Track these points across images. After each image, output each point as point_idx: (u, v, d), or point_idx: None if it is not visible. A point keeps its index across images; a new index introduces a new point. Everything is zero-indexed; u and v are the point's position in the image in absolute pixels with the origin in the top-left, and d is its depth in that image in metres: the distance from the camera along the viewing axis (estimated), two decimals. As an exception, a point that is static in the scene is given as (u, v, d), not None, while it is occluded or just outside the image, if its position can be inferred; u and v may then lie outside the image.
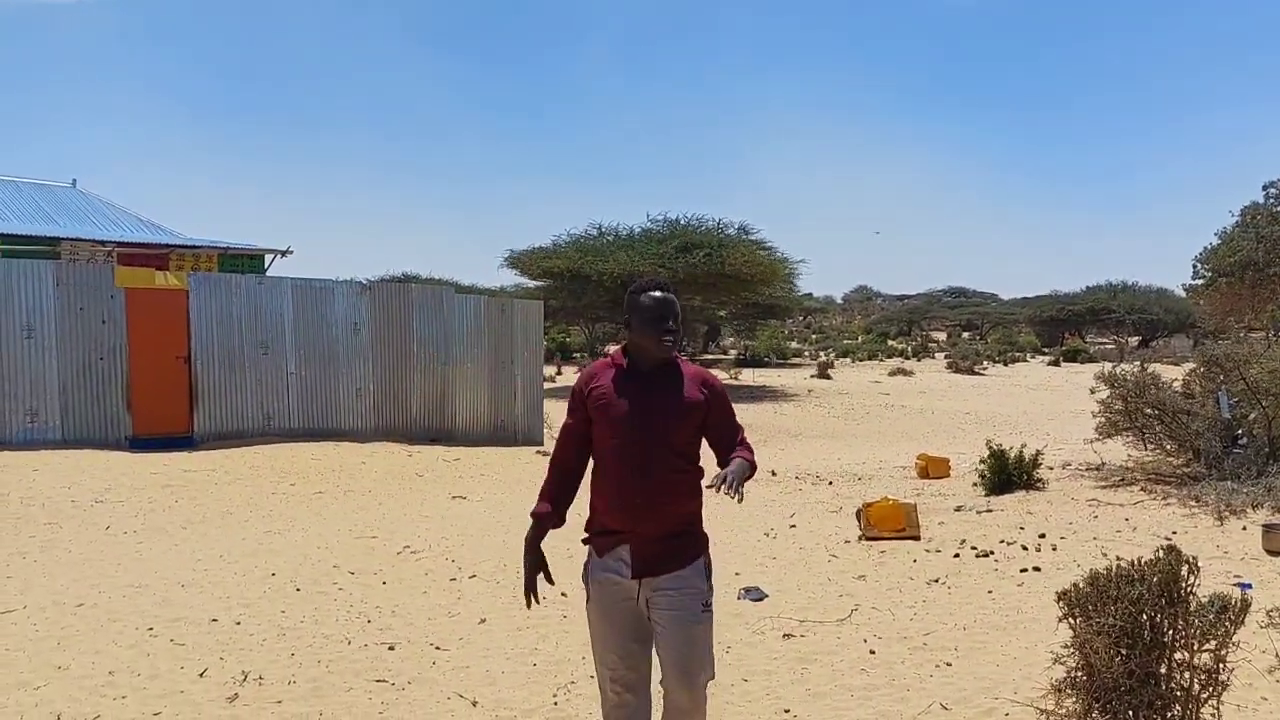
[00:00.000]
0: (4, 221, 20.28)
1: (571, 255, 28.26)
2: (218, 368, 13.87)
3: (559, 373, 31.31)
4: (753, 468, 3.11)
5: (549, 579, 3.21)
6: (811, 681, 4.79)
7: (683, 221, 29.51)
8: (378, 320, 15.14)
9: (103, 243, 19.80)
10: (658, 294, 3.09)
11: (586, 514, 3.18)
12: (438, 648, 5.36)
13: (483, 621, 5.84)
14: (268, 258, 21.75)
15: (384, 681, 4.84)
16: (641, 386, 3.06)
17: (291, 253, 21.64)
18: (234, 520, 8.92)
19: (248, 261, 21.29)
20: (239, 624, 5.78)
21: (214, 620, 5.84)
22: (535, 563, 3.17)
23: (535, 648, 5.34)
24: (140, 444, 12.88)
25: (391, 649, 5.35)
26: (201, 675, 4.91)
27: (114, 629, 5.66)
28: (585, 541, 3.18)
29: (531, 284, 32.61)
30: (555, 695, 4.65)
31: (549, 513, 3.18)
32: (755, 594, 6.27)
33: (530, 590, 3.19)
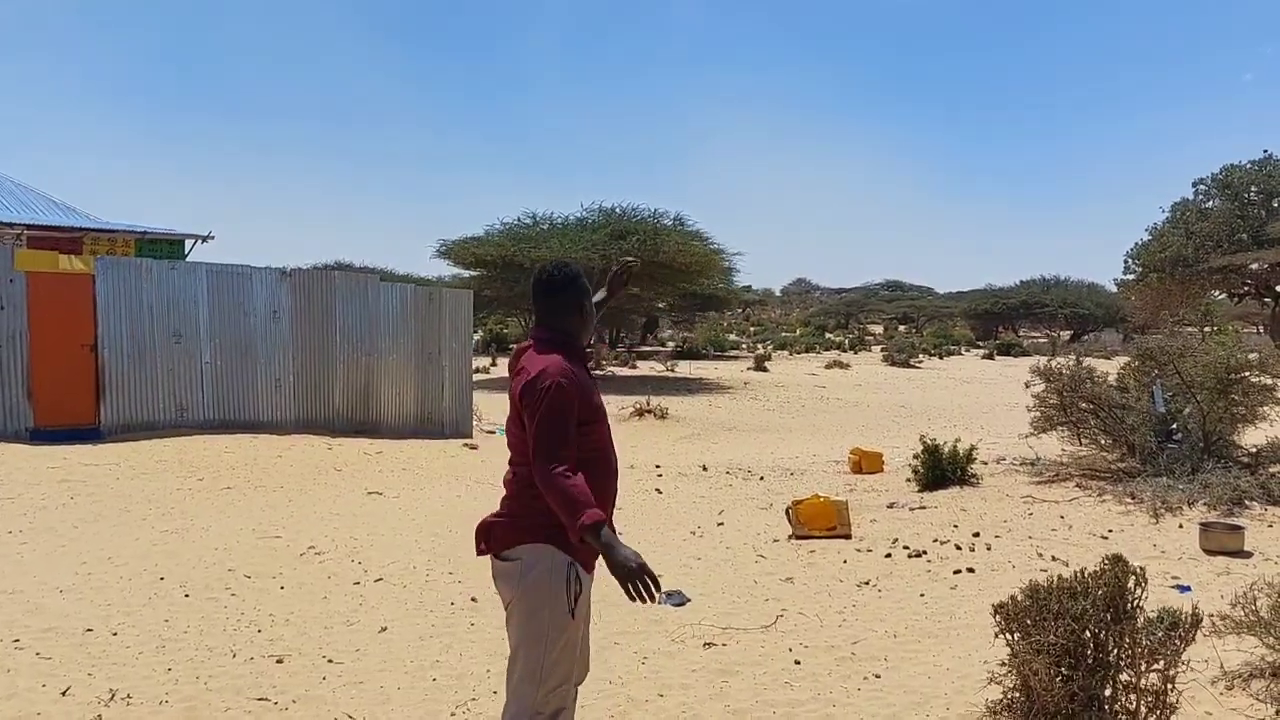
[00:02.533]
0: (-97, 201, 19.21)
1: (504, 244, 27.73)
2: (126, 357, 13.17)
3: (494, 364, 30.73)
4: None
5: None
6: (732, 697, 4.47)
7: (618, 211, 29.12)
8: (299, 308, 14.54)
9: (11, 225, 18.86)
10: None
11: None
12: (330, 660, 4.94)
13: (383, 630, 5.42)
14: (188, 243, 20.93)
15: (265, 700, 4.42)
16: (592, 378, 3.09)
17: (213, 238, 20.86)
18: (131, 519, 8.36)
19: (167, 247, 20.45)
20: (115, 635, 5.29)
21: (88, 630, 5.35)
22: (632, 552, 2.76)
23: (437, 660, 4.95)
24: (41, 435, 12.17)
25: (280, 662, 4.92)
26: (64, 694, 4.45)
27: (-26, 642, 5.14)
28: (566, 549, 2.88)
29: (466, 274, 31.96)
30: (454, 713, 4.27)
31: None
32: (677, 598, 5.93)
33: (650, 577, 2.75)
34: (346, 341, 14.77)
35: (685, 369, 33.53)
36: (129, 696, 4.43)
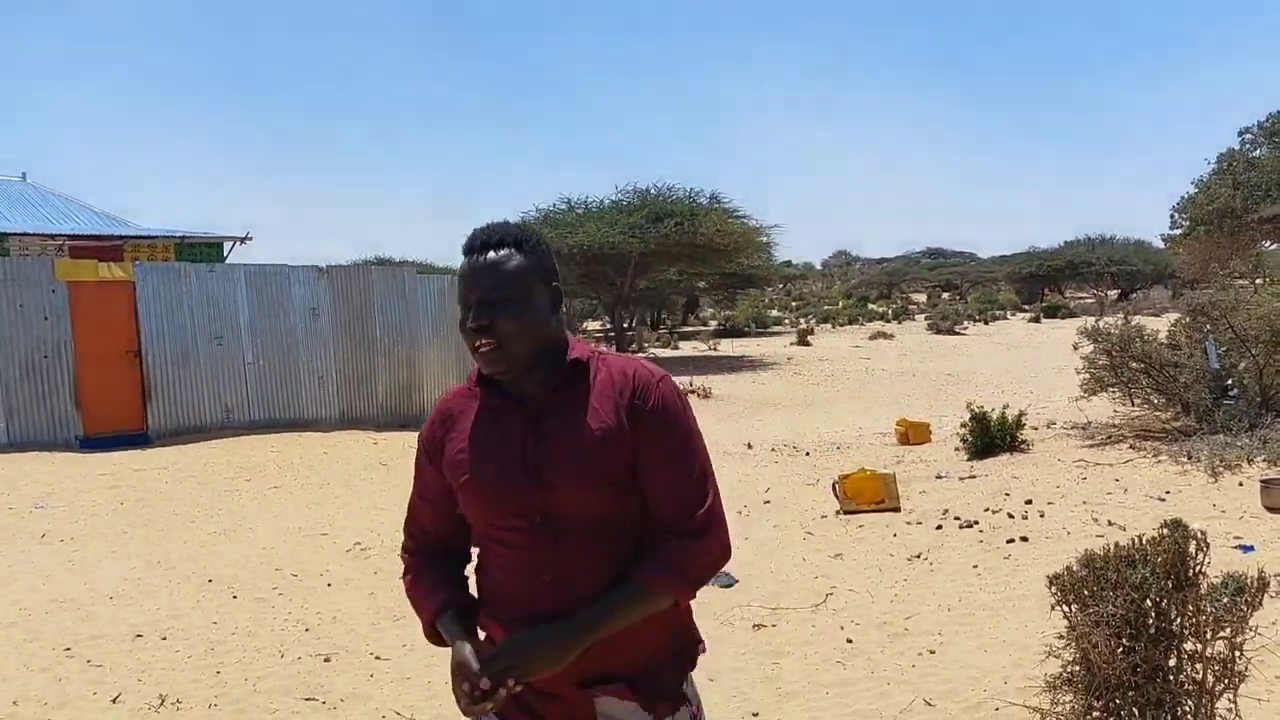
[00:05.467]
0: (-51, 218, 19.57)
1: (541, 230, 27.65)
2: (170, 361, 13.33)
3: (535, 351, 30.76)
4: (660, 594, 1.76)
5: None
6: (783, 679, 4.38)
7: (653, 192, 28.92)
8: (337, 305, 14.61)
9: (53, 236, 19.14)
10: (468, 262, 1.83)
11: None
12: (378, 657, 4.92)
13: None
14: (226, 245, 21.10)
15: (314, 699, 4.41)
16: (523, 420, 1.82)
17: (251, 239, 21.01)
18: (179, 522, 8.44)
19: (206, 250, 20.65)
20: (164, 639, 5.32)
21: (138, 636, 5.38)
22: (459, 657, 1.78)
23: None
24: (91, 444, 12.35)
25: (328, 660, 4.91)
26: (114, 701, 4.47)
27: (29, 650, 5.19)
28: None
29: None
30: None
31: (446, 601, 1.90)
32: (724, 579, 5.84)
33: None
34: (386, 336, 14.82)
35: (728, 347, 33.36)
36: (179, 701, 4.44)
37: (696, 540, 1.78)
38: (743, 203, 49.71)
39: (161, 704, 4.41)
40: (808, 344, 33.98)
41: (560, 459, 1.78)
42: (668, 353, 32.23)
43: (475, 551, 1.95)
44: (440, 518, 1.96)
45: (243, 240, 20.97)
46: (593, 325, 46.54)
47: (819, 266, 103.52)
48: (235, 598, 6.05)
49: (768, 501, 8.30)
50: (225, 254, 20.81)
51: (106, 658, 5.04)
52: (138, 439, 12.70)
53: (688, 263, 30.97)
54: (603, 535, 1.78)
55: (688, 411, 1.84)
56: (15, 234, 18.40)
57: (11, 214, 20.66)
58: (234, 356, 13.81)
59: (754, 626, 5.11)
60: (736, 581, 5.88)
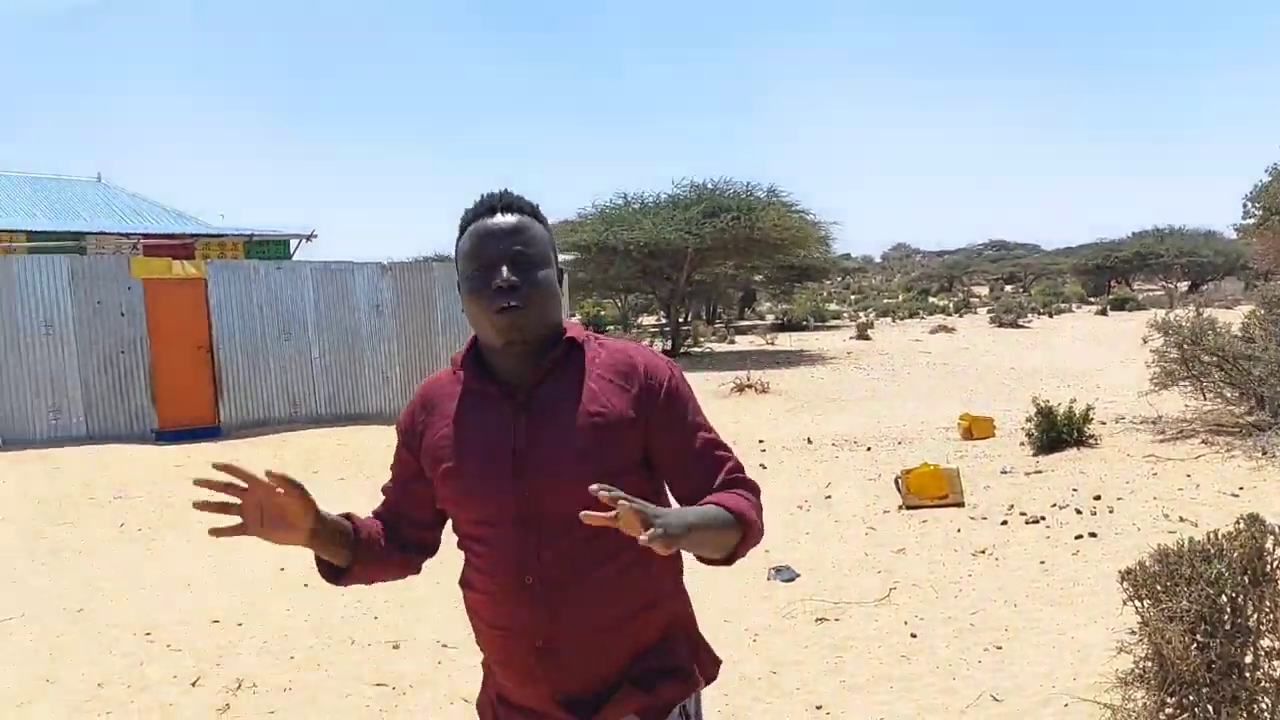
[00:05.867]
0: (31, 219, 20.22)
1: (596, 227, 27.74)
2: (240, 356, 13.65)
3: (593, 346, 30.81)
4: (743, 523, 1.66)
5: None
6: (847, 672, 4.38)
7: (709, 186, 28.83)
8: (400, 301, 14.86)
9: (127, 235, 19.67)
10: (488, 222, 1.70)
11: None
12: (445, 645, 5.01)
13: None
14: (293, 243, 21.53)
15: (384, 685, 4.51)
16: (513, 403, 1.70)
17: (316, 236, 21.39)
18: (251, 512, 8.65)
19: (274, 247, 21.09)
20: (240, 625, 5.48)
21: (215, 622, 5.55)
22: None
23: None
24: (167, 436, 12.69)
25: (396, 648, 5.02)
26: (194, 685, 4.61)
27: (110, 635, 5.38)
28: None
29: (561, 258, 32.08)
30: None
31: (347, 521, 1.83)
32: (786, 574, 5.86)
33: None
34: (448, 331, 15.02)
35: (785, 341, 33.20)
36: (255, 685, 4.57)
37: (739, 486, 1.72)
38: (801, 196, 49.32)
39: (238, 688, 4.54)
40: (867, 338, 33.67)
41: (552, 450, 1.64)
42: (724, 347, 32.17)
43: (463, 576, 1.79)
44: (401, 500, 1.85)
45: (308, 238, 21.37)
46: (648, 320, 46.61)
47: (878, 259, 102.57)
48: (306, 586, 6.19)
49: (829, 497, 8.28)
50: (291, 251, 21.23)
51: (185, 643, 5.20)
52: (210, 432, 13.03)
53: (744, 257, 30.82)
54: (592, 535, 1.54)
55: (690, 388, 1.79)
56: (92, 233, 18.94)
57: (88, 214, 21.29)
58: (301, 351, 14.10)
59: (816, 620, 5.11)
60: (798, 575, 5.88)
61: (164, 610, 5.80)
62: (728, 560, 1.68)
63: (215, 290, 13.50)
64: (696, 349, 30.79)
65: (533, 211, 1.75)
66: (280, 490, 1.68)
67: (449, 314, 15.03)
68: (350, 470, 10.66)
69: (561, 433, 1.66)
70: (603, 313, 45.65)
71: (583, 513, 1.43)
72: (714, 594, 5.22)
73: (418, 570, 1.92)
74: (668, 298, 31.14)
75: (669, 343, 30.04)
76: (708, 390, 18.79)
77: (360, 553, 1.80)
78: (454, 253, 1.79)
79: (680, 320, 32.95)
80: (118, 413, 12.81)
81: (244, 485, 1.66)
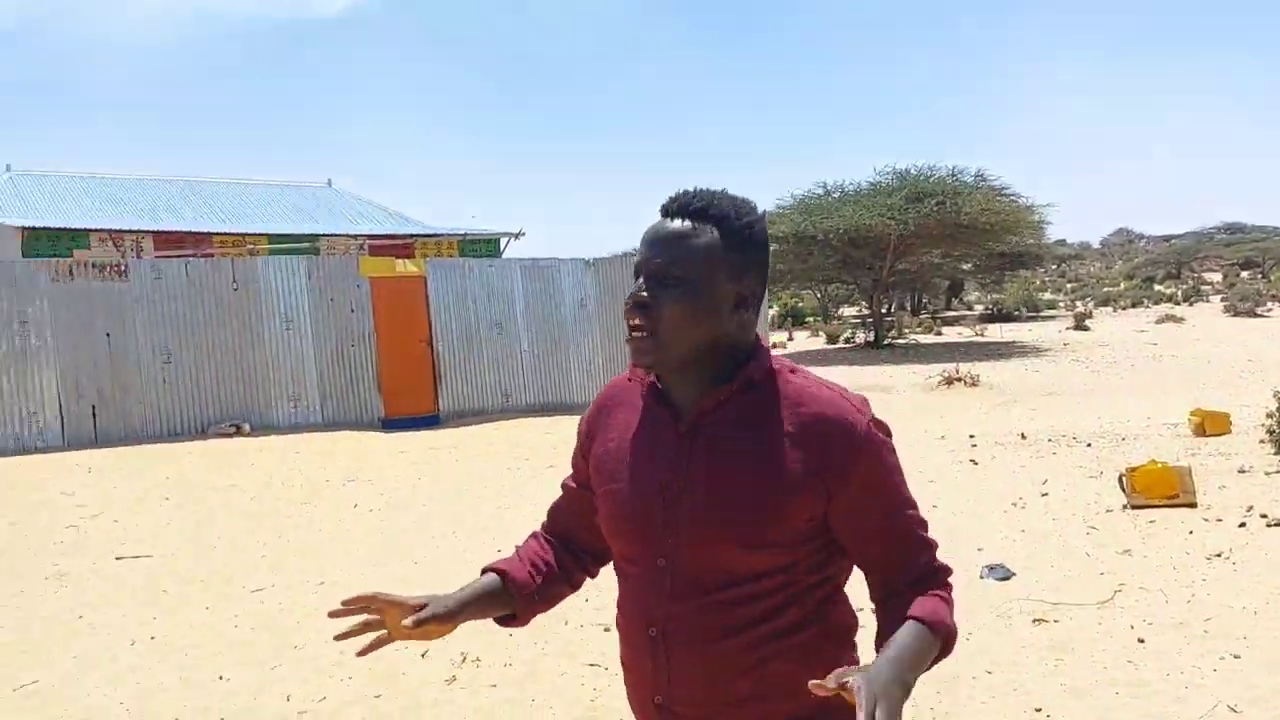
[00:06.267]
0: (270, 222, 21.97)
1: (795, 217, 27.50)
2: (457, 349, 14.41)
3: (790, 338, 30.72)
4: (944, 637, 1.45)
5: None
6: (1068, 675, 4.22)
7: (913, 172, 28.04)
8: (603, 295, 15.27)
9: (354, 236, 21.08)
10: (654, 225, 1.49)
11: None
12: (655, 630, 5.15)
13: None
14: (502, 241, 22.47)
15: (596, 665, 4.69)
16: (676, 437, 1.50)
17: (524, 235, 22.26)
18: (468, 496, 9.14)
19: (485, 246, 22.09)
20: (464, 603, 5.81)
21: (441, 599, 5.91)
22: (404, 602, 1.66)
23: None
24: (391, 424, 13.55)
25: (607, 630, 5.20)
26: (423, 656, 4.94)
27: (350, 607, 5.82)
28: None
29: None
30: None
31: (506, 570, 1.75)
32: (1000, 572, 5.68)
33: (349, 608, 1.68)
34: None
35: (996, 332, 31.92)
36: (478, 659, 4.85)
37: (933, 583, 1.50)
38: (1011, 179, 47.22)
39: (463, 661, 4.83)
40: (1085, 328, 31.93)
41: (702, 505, 1.44)
42: (930, 339, 31.25)
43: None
44: (576, 502, 1.74)
45: (516, 236, 22.25)
46: (849, 311, 45.80)
47: (1097, 245, 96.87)
48: (523, 568, 6.50)
49: (1045, 494, 7.94)
50: (501, 249, 22.16)
51: (415, 617, 5.57)
52: (430, 420, 13.82)
53: (951, 244, 29.80)
54: (733, 599, 1.43)
55: (894, 451, 1.51)
56: (324, 235, 20.41)
57: (320, 217, 22.92)
58: (512, 344, 14.75)
59: (1034, 621, 4.94)
60: (1013, 574, 5.70)
61: (396, 585, 6.22)
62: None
63: (434, 287, 14.30)
64: (900, 341, 30.05)
65: (713, 217, 1.46)
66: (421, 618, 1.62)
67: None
68: (558, 458, 11.05)
69: (716, 486, 1.44)
70: (800, 304, 45.25)
71: (811, 683, 1.25)
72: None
73: (593, 576, 1.85)
74: (870, 288, 30.53)
75: (871, 334, 29.46)
76: (913, 384, 18.33)
77: (522, 603, 1.73)
78: None
79: (883, 311, 32.25)
80: (348, 402, 13.79)
81: (380, 610, 1.65)
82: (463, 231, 22.23)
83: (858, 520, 1.46)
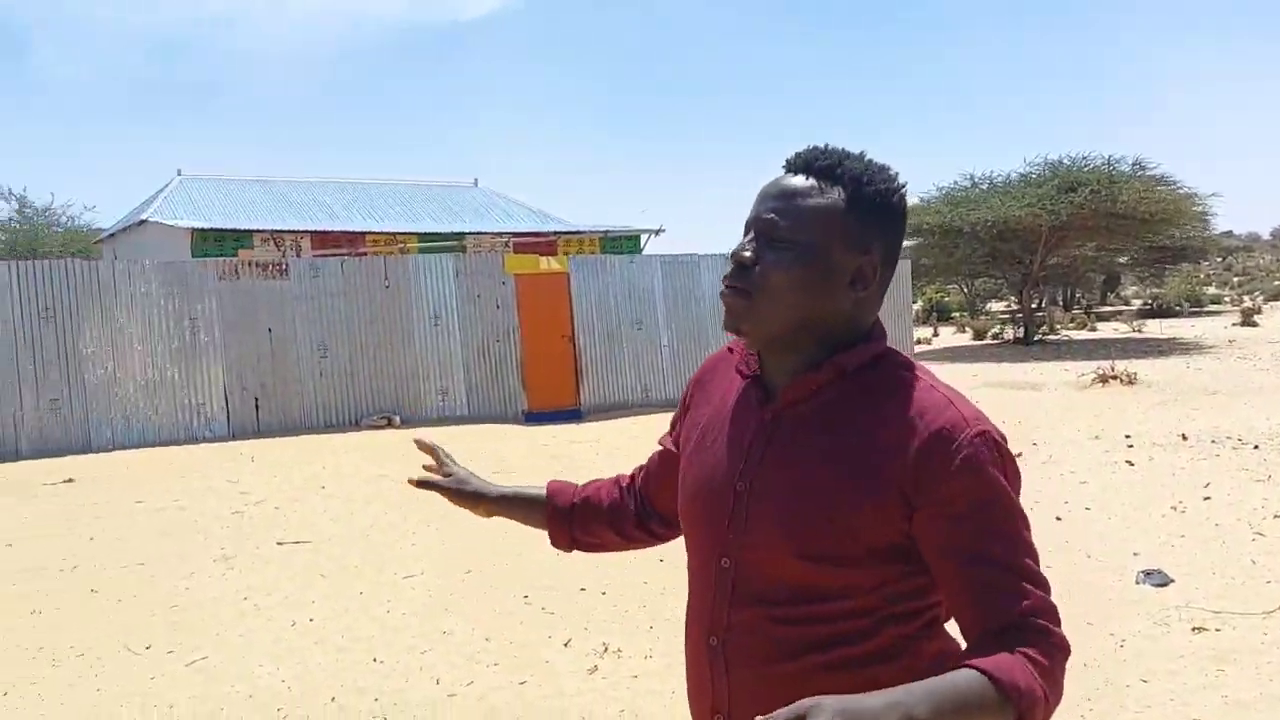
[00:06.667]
0: (419, 221, 22.77)
1: (940, 209, 26.78)
2: (598, 344, 14.65)
3: (936, 334, 29.95)
4: (1015, 702, 1.11)
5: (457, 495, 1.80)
6: (1230, 686, 4.02)
7: (1065, 162, 26.91)
8: (743, 290, 15.27)
9: (499, 234, 21.65)
10: (772, 179, 1.34)
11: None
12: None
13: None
14: (643, 237, 22.68)
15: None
16: (760, 423, 1.35)
17: (664, 231, 22.42)
18: (609, 490, 9.29)
19: (626, 243, 22.35)
20: (604, 594, 5.92)
21: (582, 590, 6.03)
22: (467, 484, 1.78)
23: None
24: (534, 417, 13.89)
25: (747, 626, 5.22)
26: (566, 645, 5.06)
27: (494, 595, 6.01)
28: None
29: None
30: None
31: (560, 495, 1.80)
32: (1157, 578, 5.44)
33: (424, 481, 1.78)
34: (789, 320, 15.28)
35: (1155, 328, 30.41)
36: (619, 650, 4.94)
37: (1024, 639, 1.17)
38: (1173, 168, 44.82)
39: (605, 651, 4.93)
40: (1254, 324, 30.07)
41: (771, 505, 1.29)
42: (1084, 335, 30.01)
43: None
44: (664, 462, 1.65)
45: (656, 232, 22.42)
46: (997, 306, 44.37)
47: (1267, 237, 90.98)
48: (662, 561, 6.55)
49: (1208, 498, 7.55)
50: (641, 245, 22.37)
51: (557, 606, 5.71)
52: (572, 414, 14.10)
53: (1106, 236, 28.47)
54: (797, 618, 1.26)
55: (1009, 480, 1.26)
56: (471, 233, 21.03)
57: (467, 215, 23.61)
58: (651, 340, 14.89)
59: (1193, 629, 4.72)
60: (1171, 581, 5.45)
61: (538, 575, 6.39)
62: None
63: (576, 283, 14.57)
64: (1052, 336, 28.99)
65: (840, 178, 1.29)
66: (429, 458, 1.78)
67: (790, 303, 15.26)
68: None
69: (787, 486, 1.28)
70: (946, 298, 44.10)
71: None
72: (1075, 595, 4.96)
73: (656, 538, 1.75)
74: (1019, 282, 29.53)
75: (1020, 330, 28.49)
76: (1065, 382, 17.63)
77: (551, 520, 1.77)
78: None
79: (1033, 306, 31.15)
80: (493, 395, 14.19)
81: (437, 465, 1.80)
82: (604, 229, 22.54)
83: (941, 549, 1.22)
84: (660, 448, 1.67)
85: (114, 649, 5.16)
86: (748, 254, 1.28)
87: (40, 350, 12.05)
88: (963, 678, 1.12)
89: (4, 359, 11.83)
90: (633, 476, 1.76)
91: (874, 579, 1.25)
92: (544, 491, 1.77)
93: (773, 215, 1.28)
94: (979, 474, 1.21)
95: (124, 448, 12.29)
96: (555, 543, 1.79)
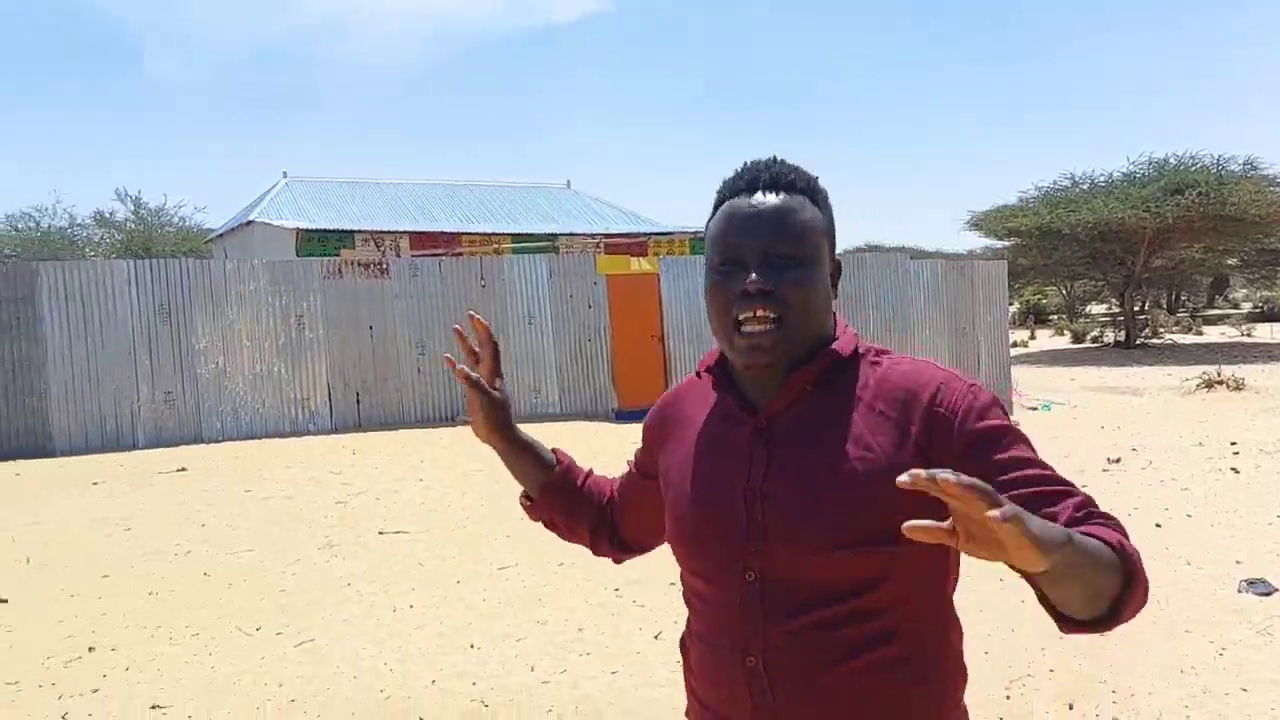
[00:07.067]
0: (514, 222, 23.17)
1: (1040, 210, 26.19)
2: (686, 344, 14.74)
3: (1032, 337, 29.26)
4: (1129, 563, 1.10)
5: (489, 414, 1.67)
6: (1336, 699, 3.93)
7: (1172, 162, 26.06)
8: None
9: (592, 235, 21.90)
10: (747, 202, 1.32)
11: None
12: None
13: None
14: (732, 238, 22.68)
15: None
16: (754, 432, 1.35)
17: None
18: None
19: (714, 243, 22.37)
20: (694, 589, 6.00)
21: (671, 584, 6.12)
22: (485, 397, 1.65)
23: (989, 634, 4.95)
24: (624, 415, 14.04)
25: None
26: (656, 638, 5.16)
27: (586, 588, 6.14)
28: None
29: (999, 244, 30.79)
30: (1008, 689, 4.27)
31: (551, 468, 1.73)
32: (1262, 587, 5.31)
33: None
34: (879, 319, 15.10)
35: (1265, 333, 29.25)
36: (709, 643, 5.02)
37: (1111, 523, 1.16)
38: (1288, 166, 42.74)
39: (695, 644, 5.02)
40: (1375, 329, 28.72)
41: (793, 502, 1.27)
42: (1189, 339, 29.02)
43: (682, 639, 1.54)
44: (632, 487, 1.67)
45: (746, 232, 22.41)
46: (1097, 309, 43.14)
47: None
48: (750, 559, 6.64)
49: (1318, 507, 7.31)
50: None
51: (647, 600, 5.82)
52: (659, 414, 14.22)
53: (1214, 238, 27.51)
54: (838, 618, 1.24)
55: (1009, 418, 1.28)
56: (563, 234, 21.33)
57: (560, 217, 23.94)
58: (740, 340, 14.96)
59: (1299, 641, 4.60)
60: (1276, 590, 5.31)
61: (629, 570, 6.48)
62: (1105, 621, 1.10)
63: (666, 284, 14.68)
64: (1155, 340, 28.11)
65: (807, 189, 1.34)
66: (483, 346, 1.68)
67: (880, 304, 15.10)
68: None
69: (804, 479, 1.27)
70: (1044, 300, 43.06)
71: (906, 525, 0.96)
72: (1175, 601, 4.88)
73: (611, 557, 1.77)
74: (1121, 284, 28.71)
75: (1121, 333, 27.70)
76: (1168, 387, 17.13)
77: (543, 484, 1.70)
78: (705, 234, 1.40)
79: (1135, 309, 30.25)
80: (584, 393, 14.40)
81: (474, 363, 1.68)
82: (693, 230, 22.63)
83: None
84: (630, 469, 1.66)
85: (226, 630, 5.44)
86: (767, 285, 1.27)
87: (156, 346, 12.64)
88: (1088, 536, 1.09)
89: (123, 354, 12.44)
90: (612, 493, 1.72)
91: (902, 561, 1.23)
92: (553, 458, 1.72)
93: (773, 239, 1.29)
94: (986, 413, 1.24)
95: (233, 439, 12.82)
96: (532, 510, 1.74)
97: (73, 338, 12.22)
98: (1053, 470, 1.22)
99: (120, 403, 12.42)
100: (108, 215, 32.53)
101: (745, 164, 1.36)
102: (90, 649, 5.15)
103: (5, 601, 6.08)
